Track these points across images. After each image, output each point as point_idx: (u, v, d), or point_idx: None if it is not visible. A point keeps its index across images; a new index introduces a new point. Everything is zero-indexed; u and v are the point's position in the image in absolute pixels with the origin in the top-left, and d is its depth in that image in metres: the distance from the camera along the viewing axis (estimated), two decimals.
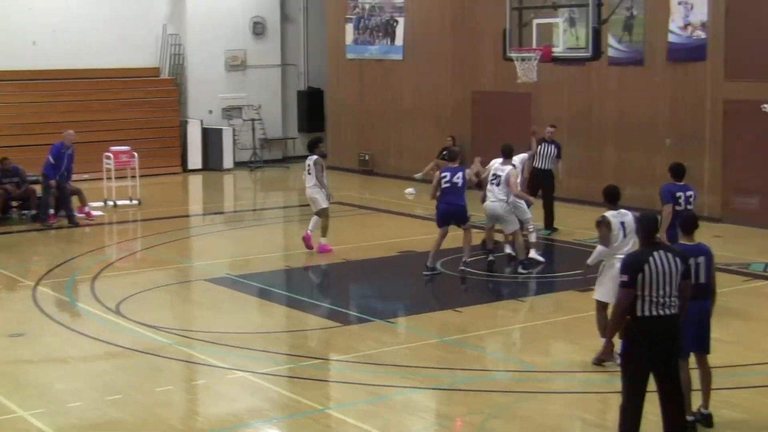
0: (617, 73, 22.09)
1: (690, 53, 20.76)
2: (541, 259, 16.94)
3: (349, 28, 29.04)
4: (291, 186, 27.97)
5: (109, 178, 23.27)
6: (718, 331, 10.85)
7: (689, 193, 13.06)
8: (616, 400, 9.03)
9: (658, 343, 8.59)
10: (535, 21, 18.89)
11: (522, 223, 16.60)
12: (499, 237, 17.23)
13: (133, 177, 23.40)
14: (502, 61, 19.79)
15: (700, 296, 9.32)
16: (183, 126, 29.28)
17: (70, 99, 27.54)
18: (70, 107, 27.20)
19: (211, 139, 29.48)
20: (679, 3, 20.84)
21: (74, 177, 21.65)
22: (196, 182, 28.46)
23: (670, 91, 21.26)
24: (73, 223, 20.79)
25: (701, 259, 9.38)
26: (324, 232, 17.92)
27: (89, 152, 24.46)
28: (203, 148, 29.45)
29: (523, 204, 16.73)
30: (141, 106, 28.54)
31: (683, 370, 9.23)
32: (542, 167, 19.30)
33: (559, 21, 19.41)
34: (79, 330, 13.36)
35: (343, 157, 29.02)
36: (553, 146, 19.39)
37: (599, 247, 11.75)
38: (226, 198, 27.22)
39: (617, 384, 9.10)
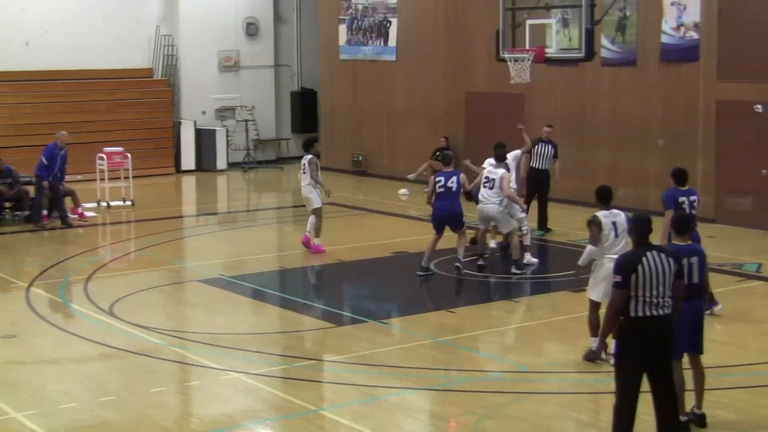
0: (610, 73, 22.12)
1: (683, 54, 20.79)
2: (535, 260, 16.95)
3: (343, 28, 29.05)
4: (284, 187, 28.01)
5: (102, 179, 23.25)
6: (711, 332, 10.89)
7: (693, 198, 12.96)
8: (610, 401, 9.05)
9: (651, 343, 8.60)
10: (528, 22, 18.92)
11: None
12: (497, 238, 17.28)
13: (127, 178, 23.38)
14: (495, 61, 19.83)
15: (693, 296, 9.34)
16: (176, 127, 29.26)
17: (63, 100, 27.52)
18: (63, 108, 27.18)
19: (204, 139, 29.47)
20: (672, 4, 20.88)
21: (67, 178, 21.65)
22: (189, 183, 28.44)
23: (663, 91, 21.30)
24: (67, 224, 20.77)
25: (694, 260, 9.40)
26: (317, 232, 17.92)
27: (82, 153, 24.48)
28: (196, 149, 29.43)
29: (515, 205, 16.74)
30: (134, 107, 28.53)
31: (677, 371, 9.25)
32: (539, 167, 19.32)
33: (552, 22, 19.43)
34: (72, 331, 13.34)
35: (337, 158, 29.02)
36: (549, 146, 19.41)
37: (589, 247, 11.82)
38: (219, 199, 27.19)
39: (611, 384, 9.11)
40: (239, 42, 30.43)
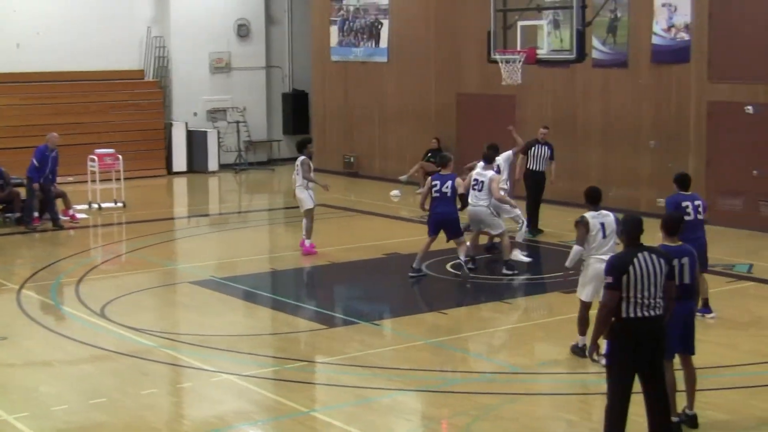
0: (601, 74, 22.14)
1: (674, 55, 20.83)
2: (526, 259, 16.97)
3: (334, 30, 29.04)
4: (276, 188, 27.99)
5: (93, 181, 23.21)
6: (702, 333, 10.91)
7: (697, 202, 12.96)
8: (602, 402, 9.06)
9: (643, 344, 8.62)
10: (520, 23, 18.94)
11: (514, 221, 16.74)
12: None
13: (118, 179, 23.35)
14: (487, 63, 19.84)
15: (684, 297, 9.36)
16: (168, 128, 29.22)
17: (54, 101, 27.44)
18: (54, 110, 27.11)
19: (195, 141, 29.44)
20: (663, 5, 20.92)
21: (58, 179, 21.60)
22: (180, 185, 28.41)
23: (654, 92, 21.33)
24: (58, 225, 20.73)
25: (685, 260, 9.42)
26: (308, 233, 17.92)
27: (74, 155, 24.41)
28: (188, 151, 29.40)
29: (506, 205, 16.77)
30: (125, 109, 28.47)
31: (668, 371, 9.26)
32: (535, 169, 19.33)
33: (544, 23, 19.45)
34: (63, 333, 13.32)
35: (328, 159, 29.01)
36: (546, 147, 19.41)
37: (575, 248, 11.86)
38: (211, 200, 27.17)
39: (603, 385, 9.12)
40: (230, 43, 30.40)
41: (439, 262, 16.77)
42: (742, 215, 19.89)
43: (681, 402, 9.73)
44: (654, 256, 8.66)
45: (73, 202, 21.81)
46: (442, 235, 16.10)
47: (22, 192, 21.15)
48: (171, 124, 29.27)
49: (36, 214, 20.85)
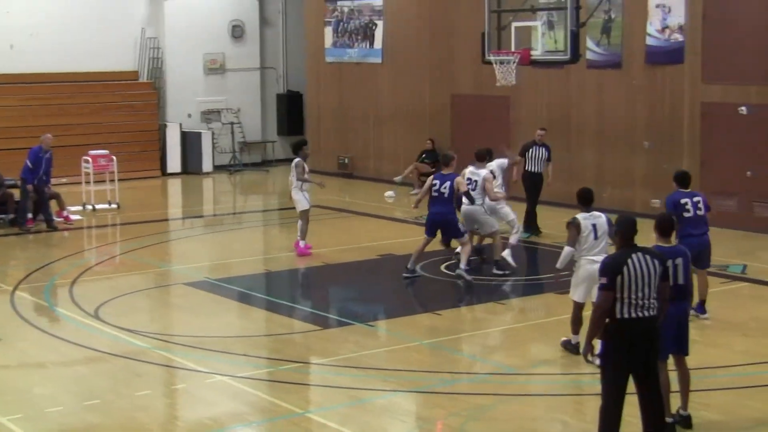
0: (595, 76, 22.16)
1: (668, 56, 20.85)
2: (513, 264, 16.66)
3: (328, 31, 29.04)
4: (270, 189, 27.99)
5: (87, 182, 23.18)
6: (696, 333, 10.92)
7: (696, 199, 12.94)
8: (596, 402, 9.06)
9: (637, 345, 8.62)
10: (514, 24, 18.95)
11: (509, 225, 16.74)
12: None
13: (112, 181, 23.33)
14: (481, 64, 19.85)
15: (678, 298, 9.36)
16: (162, 129, 29.21)
17: (48, 103, 27.42)
18: (48, 111, 27.09)
19: (190, 142, 29.42)
20: (657, 6, 20.93)
21: (53, 181, 21.56)
22: (175, 186, 28.39)
23: (648, 93, 21.35)
24: (52, 227, 20.70)
25: (679, 261, 9.42)
26: (303, 234, 17.92)
27: (68, 156, 24.40)
28: (182, 152, 29.39)
29: (505, 207, 16.76)
30: (120, 110, 28.46)
31: (662, 372, 9.26)
32: (533, 170, 19.34)
33: (538, 24, 19.48)
34: (57, 334, 13.30)
35: (323, 161, 28.99)
36: (543, 149, 19.41)
37: (566, 249, 11.87)
38: (205, 202, 27.17)
39: (597, 386, 9.13)
40: (225, 44, 30.40)
41: (433, 263, 16.77)
42: (736, 216, 19.90)
43: (675, 403, 9.74)
44: (648, 257, 8.66)
45: (67, 203, 21.79)
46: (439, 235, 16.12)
47: (16, 193, 21.12)
48: (165, 125, 29.26)
49: (30, 215, 20.83)
